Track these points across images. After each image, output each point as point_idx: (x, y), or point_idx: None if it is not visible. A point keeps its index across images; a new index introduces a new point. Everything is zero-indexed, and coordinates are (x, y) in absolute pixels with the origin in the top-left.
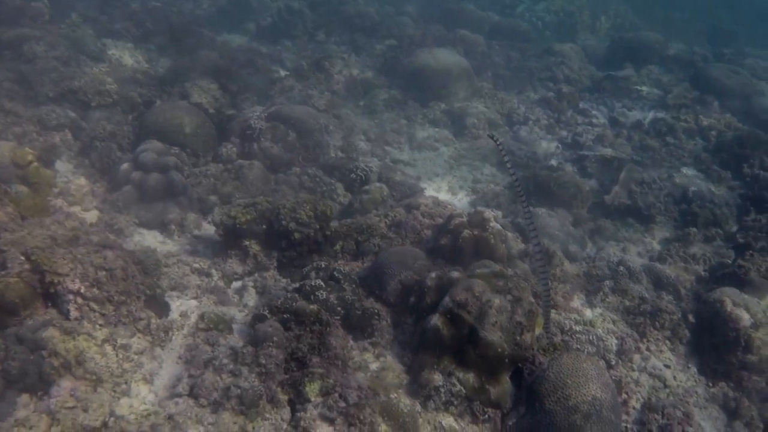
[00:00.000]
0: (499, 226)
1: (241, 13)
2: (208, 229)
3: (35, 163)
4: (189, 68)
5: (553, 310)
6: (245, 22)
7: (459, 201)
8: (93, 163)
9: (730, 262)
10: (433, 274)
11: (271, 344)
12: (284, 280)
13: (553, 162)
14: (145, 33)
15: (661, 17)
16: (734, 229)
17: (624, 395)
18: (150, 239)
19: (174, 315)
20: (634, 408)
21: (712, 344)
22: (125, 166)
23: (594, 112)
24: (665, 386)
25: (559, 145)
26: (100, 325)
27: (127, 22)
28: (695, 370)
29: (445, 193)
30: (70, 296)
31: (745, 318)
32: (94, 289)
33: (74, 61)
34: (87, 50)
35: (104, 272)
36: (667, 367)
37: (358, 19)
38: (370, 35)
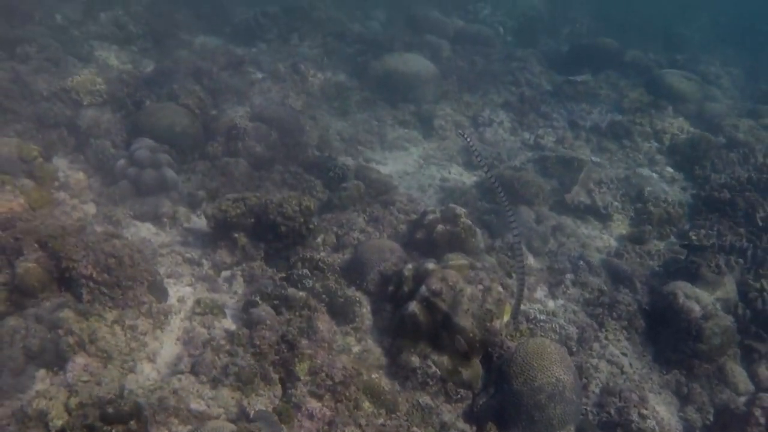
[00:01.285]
0: (469, 222)
1: (217, 17)
2: (198, 221)
3: (39, 159)
4: (173, 70)
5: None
6: (222, 25)
7: (429, 198)
8: (88, 158)
9: (683, 258)
10: (410, 265)
11: (264, 327)
12: (270, 270)
13: (517, 162)
14: (128, 36)
15: (618, 22)
16: (687, 227)
17: (584, 380)
18: (144, 231)
19: (172, 300)
20: (593, 392)
21: (666, 334)
22: (122, 162)
23: (555, 115)
24: (622, 372)
25: (522, 146)
26: (110, 308)
27: (111, 25)
28: (650, 358)
29: (415, 191)
30: (83, 280)
31: (696, 310)
32: (105, 275)
33: (65, 62)
34: (76, 52)
35: (113, 259)
36: (624, 354)
37: (329, 23)
38: (340, 39)
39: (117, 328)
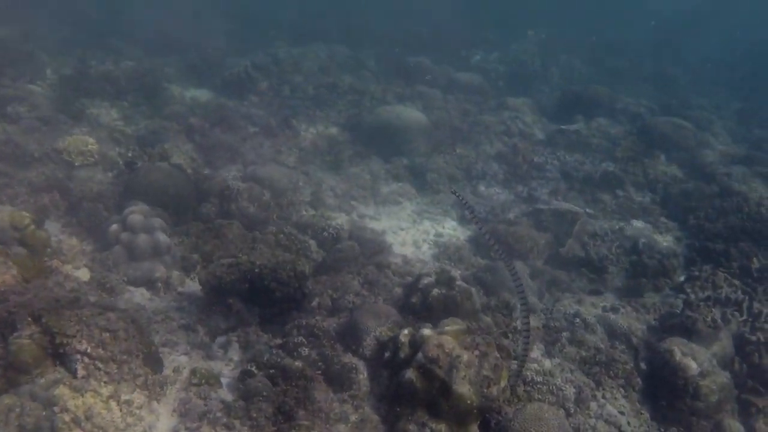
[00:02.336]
0: (465, 285)
1: (208, 69)
2: (192, 285)
3: (32, 226)
4: (165, 127)
5: (514, 361)
6: (212, 77)
7: (423, 254)
8: (81, 222)
9: (678, 311)
10: (406, 331)
11: (260, 398)
12: (266, 335)
13: (511, 216)
14: (119, 91)
15: (608, 66)
16: (682, 278)
17: None
18: (138, 296)
19: (167, 371)
20: None
21: (663, 391)
22: (114, 227)
23: (548, 167)
24: None
25: (516, 199)
26: (105, 383)
27: (102, 81)
28: (648, 416)
29: (410, 247)
30: (78, 356)
31: (693, 367)
32: (100, 350)
33: (56, 121)
34: (67, 110)
35: (108, 333)
36: (622, 413)
37: (320, 74)
38: (332, 90)
39: (113, 404)
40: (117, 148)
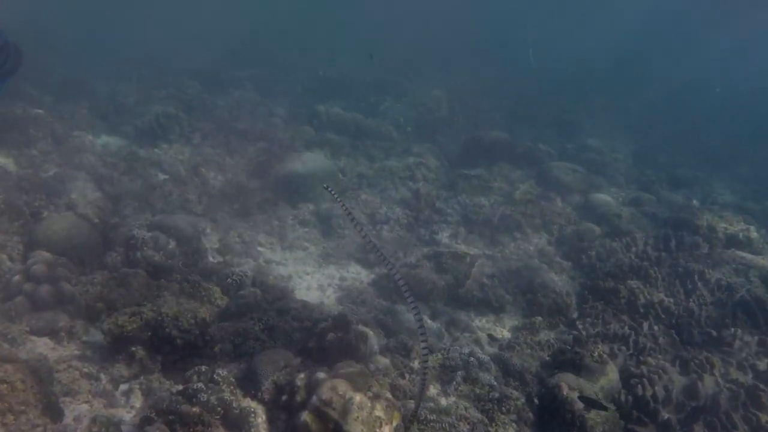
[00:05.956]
0: (360, 328)
1: (119, 116)
2: (96, 334)
3: None
4: (74, 177)
5: (411, 400)
6: (123, 125)
7: (327, 298)
8: None
9: (569, 348)
10: (302, 375)
11: None
12: (168, 382)
13: (413, 259)
14: (28, 139)
15: (508, 109)
16: (575, 315)
17: None
18: (41, 346)
19: (68, 420)
20: None
21: (553, 425)
22: (17, 278)
23: (449, 210)
24: None
25: (418, 243)
26: None
27: (11, 130)
28: None
29: (315, 291)
30: None
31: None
32: None
33: None
34: None
35: (5, 385)
36: None
37: (231, 122)
38: (243, 138)
39: None
40: (24, 197)
